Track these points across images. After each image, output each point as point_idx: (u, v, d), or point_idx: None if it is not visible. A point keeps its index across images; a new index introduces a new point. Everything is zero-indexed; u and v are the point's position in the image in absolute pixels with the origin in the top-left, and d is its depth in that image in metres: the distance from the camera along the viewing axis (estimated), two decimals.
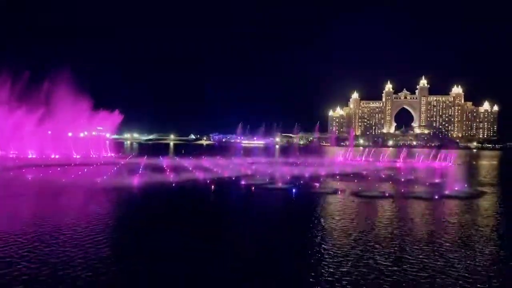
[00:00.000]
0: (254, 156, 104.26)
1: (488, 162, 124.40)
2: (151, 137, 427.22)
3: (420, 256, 17.79)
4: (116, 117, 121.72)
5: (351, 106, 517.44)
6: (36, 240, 19.00)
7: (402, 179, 53.06)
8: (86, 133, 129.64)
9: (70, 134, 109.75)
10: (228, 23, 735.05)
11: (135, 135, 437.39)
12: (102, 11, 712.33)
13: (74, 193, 35.37)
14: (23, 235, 19.76)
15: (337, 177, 54.67)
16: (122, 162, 75.22)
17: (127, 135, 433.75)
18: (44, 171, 53.76)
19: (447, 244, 20.05)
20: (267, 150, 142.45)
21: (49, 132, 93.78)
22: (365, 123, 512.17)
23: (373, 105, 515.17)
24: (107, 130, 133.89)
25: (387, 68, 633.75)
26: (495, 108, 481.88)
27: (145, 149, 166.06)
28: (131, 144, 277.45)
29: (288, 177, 49.69)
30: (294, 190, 38.29)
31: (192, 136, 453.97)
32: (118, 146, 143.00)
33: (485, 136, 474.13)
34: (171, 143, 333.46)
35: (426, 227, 24.19)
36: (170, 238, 20.64)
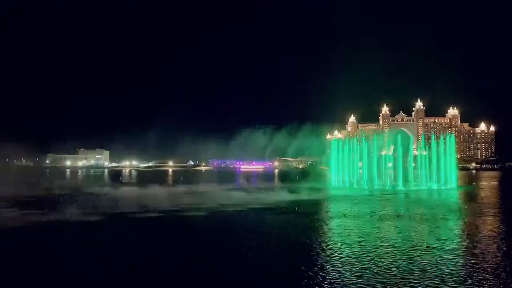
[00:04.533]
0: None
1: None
2: (150, 164, 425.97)
3: None
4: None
5: (349, 129, 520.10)
6: None
7: None
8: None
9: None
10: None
11: (134, 162, 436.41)
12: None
13: None
14: None
15: None
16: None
17: (125, 163, 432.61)
18: None
19: None
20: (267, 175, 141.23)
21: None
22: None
23: (370, 127, 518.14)
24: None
25: (383, 90, 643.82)
26: (492, 128, 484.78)
27: (144, 176, 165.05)
28: (130, 172, 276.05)
29: None
30: None
31: (191, 162, 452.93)
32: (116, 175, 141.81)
33: (483, 156, 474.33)
34: (170, 170, 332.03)
35: None
36: None
